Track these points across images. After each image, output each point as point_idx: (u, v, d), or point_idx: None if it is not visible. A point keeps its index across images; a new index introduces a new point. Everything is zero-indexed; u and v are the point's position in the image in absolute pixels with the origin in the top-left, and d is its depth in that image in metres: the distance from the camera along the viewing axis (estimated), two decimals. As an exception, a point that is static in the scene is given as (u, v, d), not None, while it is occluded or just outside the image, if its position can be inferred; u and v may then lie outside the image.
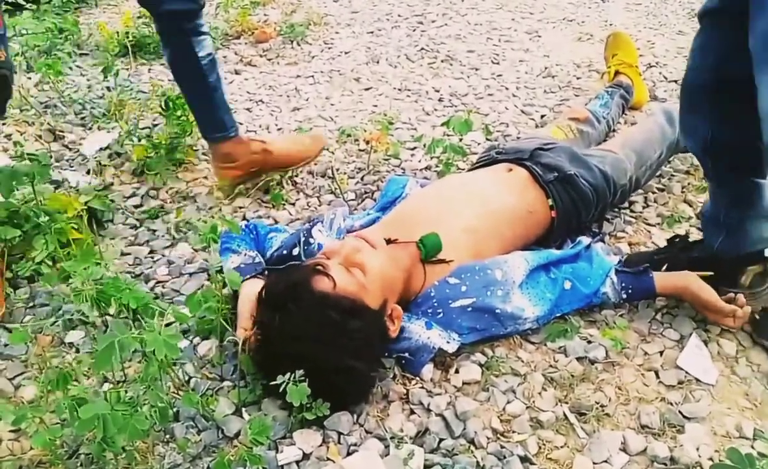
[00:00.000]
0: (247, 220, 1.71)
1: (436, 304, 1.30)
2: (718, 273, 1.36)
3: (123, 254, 1.62)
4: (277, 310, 1.14)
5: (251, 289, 1.27)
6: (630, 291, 1.40)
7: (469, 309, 1.29)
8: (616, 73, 2.24)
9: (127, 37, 2.85)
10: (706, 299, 1.33)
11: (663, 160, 1.80)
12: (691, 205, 1.77)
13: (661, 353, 1.32)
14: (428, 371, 1.25)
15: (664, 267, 1.41)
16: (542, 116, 2.28)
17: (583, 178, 1.55)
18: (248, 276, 1.34)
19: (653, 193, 1.84)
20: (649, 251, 1.55)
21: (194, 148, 2.04)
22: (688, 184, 1.87)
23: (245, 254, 1.41)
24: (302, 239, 1.47)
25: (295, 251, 1.43)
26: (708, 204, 1.41)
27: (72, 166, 1.98)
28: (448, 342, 1.25)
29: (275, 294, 1.18)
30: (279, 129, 2.28)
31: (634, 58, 2.30)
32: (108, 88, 2.47)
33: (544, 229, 1.54)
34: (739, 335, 1.36)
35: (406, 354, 1.26)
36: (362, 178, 1.94)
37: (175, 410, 1.16)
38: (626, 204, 1.79)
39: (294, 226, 1.68)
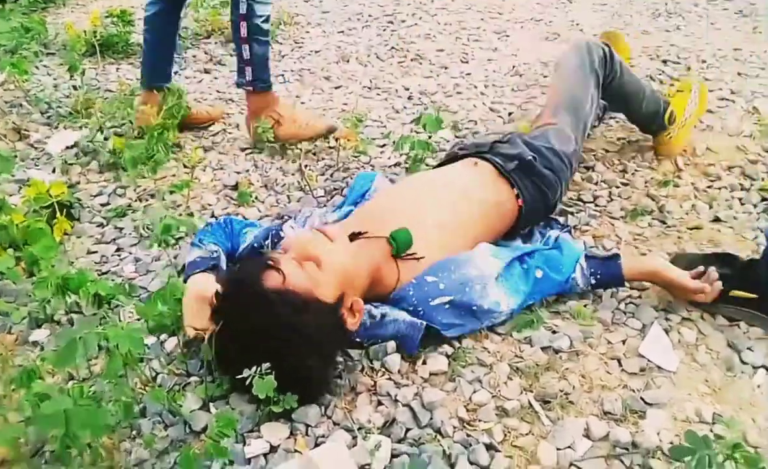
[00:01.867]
0: (215, 218, 1.70)
1: (415, 302, 1.31)
2: (760, 300, 1.35)
3: (89, 253, 1.61)
4: (228, 306, 1.14)
5: (196, 285, 1.27)
6: (599, 276, 1.43)
7: (447, 306, 1.30)
8: None
9: (95, 36, 2.81)
10: (676, 279, 1.37)
11: (596, 94, 1.79)
12: (653, 199, 1.81)
13: (624, 341, 1.35)
14: (396, 362, 1.26)
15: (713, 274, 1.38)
16: (510, 113, 2.31)
17: (542, 163, 1.58)
18: (197, 270, 1.33)
19: (617, 187, 1.87)
20: (700, 254, 1.52)
21: (166, 144, 2.02)
22: (651, 178, 1.91)
23: (206, 249, 1.41)
24: (272, 233, 1.48)
25: (265, 247, 1.43)
26: None
27: (37, 165, 1.96)
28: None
29: (226, 289, 1.17)
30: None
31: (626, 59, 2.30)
32: (75, 87, 2.44)
33: (513, 218, 1.56)
34: (699, 324, 1.39)
35: (398, 336, 1.27)
36: (331, 175, 1.95)
37: (141, 406, 1.15)
38: (591, 198, 1.83)
39: (265, 223, 1.68)
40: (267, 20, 1.95)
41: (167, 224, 1.19)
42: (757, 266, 1.37)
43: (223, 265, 1.42)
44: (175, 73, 2.71)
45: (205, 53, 2.93)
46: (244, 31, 1.92)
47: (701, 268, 1.38)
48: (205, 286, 1.23)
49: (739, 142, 2.04)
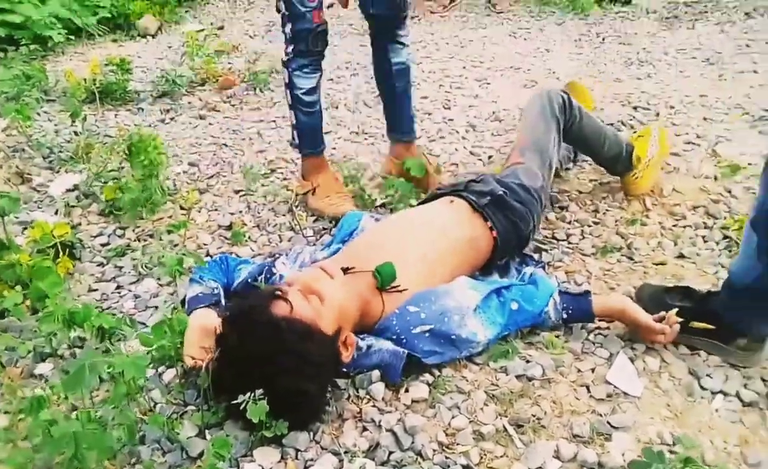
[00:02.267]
0: (211, 256, 1.80)
1: (398, 330, 1.41)
2: (718, 331, 1.45)
3: (91, 290, 1.70)
4: (236, 330, 1.23)
5: (199, 319, 1.37)
6: (570, 312, 1.53)
7: (428, 335, 1.40)
8: None
9: (94, 84, 2.94)
10: (639, 320, 1.47)
11: (558, 137, 1.90)
12: (622, 237, 1.93)
13: (593, 370, 1.45)
14: (380, 390, 1.36)
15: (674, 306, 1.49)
16: (489, 157, 2.45)
17: (512, 197, 1.69)
18: (200, 306, 1.43)
19: (589, 226, 2.00)
20: (662, 287, 1.61)
21: (162, 188, 2.13)
22: (621, 217, 2.03)
23: (206, 285, 1.51)
24: (266, 269, 1.58)
25: (259, 281, 1.54)
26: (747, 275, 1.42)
27: (40, 208, 2.06)
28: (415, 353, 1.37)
29: (235, 315, 1.27)
30: (242, 169, 2.39)
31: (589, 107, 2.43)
32: (75, 133, 2.56)
33: (489, 250, 1.67)
34: (662, 352, 1.50)
35: (382, 365, 1.36)
36: (321, 217, 2.06)
37: (141, 433, 1.23)
38: (564, 236, 1.95)
39: (258, 260, 1.78)
40: (309, 93, 2.00)
41: (179, 258, 1.29)
42: (714, 299, 1.49)
43: (223, 301, 1.52)
44: (171, 119, 2.85)
45: (200, 100, 3.07)
46: (288, 99, 2.03)
47: (663, 313, 1.49)
48: (207, 319, 1.34)
49: (702, 184, 2.17)
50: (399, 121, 2.20)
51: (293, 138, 2.10)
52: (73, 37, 4.11)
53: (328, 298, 1.33)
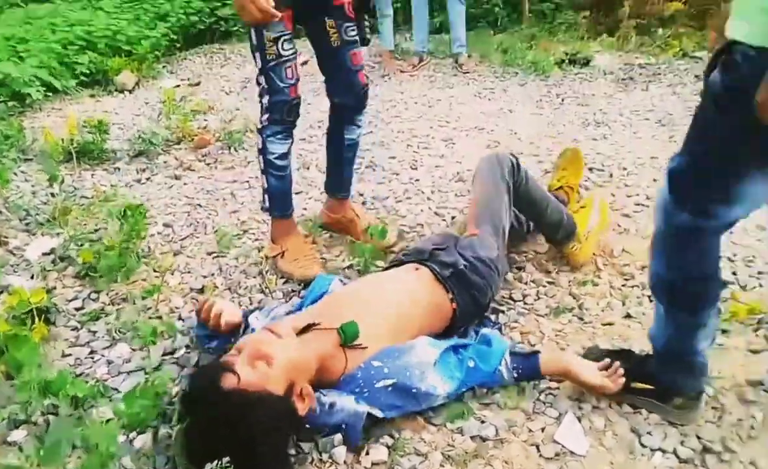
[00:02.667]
0: (182, 320, 1.88)
1: (362, 383, 1.50)
2: (656, 391, 1.56)
3: (64, 355, 1.76)
4: (189, 408, 1.34)
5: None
6: (520, 371, 1.63)
7: (390, 389, 1.50)
8: (559, 188, 2.46)
9: (72, 144, 3.03)
10: (585, 378, 1.59)
11: (508, 200, 2.01)
12: (574, 298, 2.05)
13: (543, 429, 1.55)
14: (342, 454, 1.44)
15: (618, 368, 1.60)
16: (452, 218, 2.57)
17: (471, 270, 1.81)
18: None
19: (543, 286, 2.12)
20: (605, 350, 1.73)
21: (135, 252, 2.21)
22: (573, 278, 2.16)
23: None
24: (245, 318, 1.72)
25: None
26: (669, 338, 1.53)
27: (16, 271, 2.12)
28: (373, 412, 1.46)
29: (188, 393, 1.37)
30: (215, 231, 2.48)
31: (577, 180, 2.54)
32: (52, 195, 2.63)
33: (449, 319, 1.78)
34: (607, 411, 1.60)
35: (343, 426, 1.44)
36: (290, 279, 2.15)
37: (113, 499, 1.29)
38: (521, 297, 2.07)
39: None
40: (281, 157, 2.12)
41: (153, 328, 1.37)
42: (650, 361, 1.61)
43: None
44: (147, 179, 2.94)
45: (176, 159, 3.17)
46: (261, 164, 2.14)
47: (608, 360, 1.61)
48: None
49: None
50: (339, 182, 2.39)
51: (264, 201, 2.21)
52: (51, 94, 4.20)
53: (276, 358, 1.42)
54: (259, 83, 2.05)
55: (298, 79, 2.05)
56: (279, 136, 2.10)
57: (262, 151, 2.12)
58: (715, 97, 1.18)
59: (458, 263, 1.80)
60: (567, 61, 4.54)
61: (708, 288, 1.42)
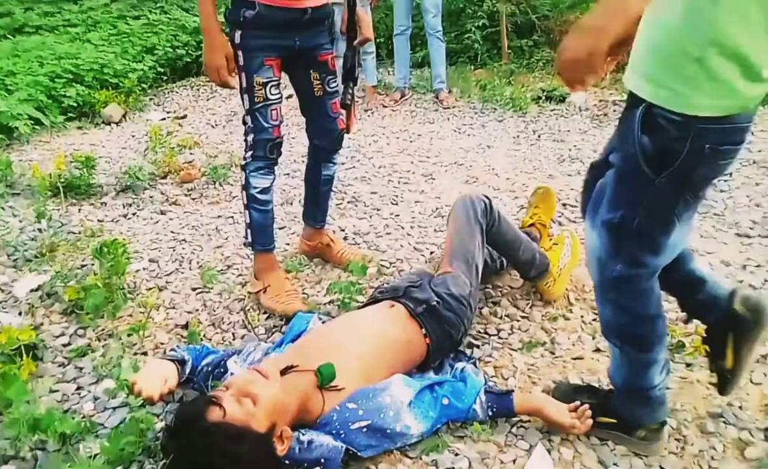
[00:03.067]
0: (175, 348, 1.93)
1: (338, 426, 1.56)
2: (620, 424, 1.65)
3: (52, 391, 1.80)
4: (175, 439, 1.39)
5: (158, 361, 1.75)
6: (494, 409, 1.71)
7: (365, 429, 1.56)
8: (531, 225, 2.58)
9: (59, 179, 3.08)
10: (555, 418, 1.67)
11: (481, 240, 2.10)
12: (546, 332, 2.14)
13: (514, 461, 1.62)
14: (320, 490, 1.50)
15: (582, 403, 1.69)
16: (431, 253, 2.66)
17: (443, 307, 1.89)
18: (167, 358, 1.76)
19: (517, 321, 2.20)
20: (572, 386, 1.84)
21: (120, 287, 2.26)
22: (546, 312, 2.25)
23: (180, 353, 1.78)
24: (221, 362, 1.78)
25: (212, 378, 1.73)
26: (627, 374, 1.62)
27: (4, 308, 2.16)
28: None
29: (174, 425, 1.42)
30: (200, 266, 2.54)
31: (549, 218, 2.65)
32: (40, 230, 2.68)
33: (423, 353, 1.85)
34: (575, 443, 1.68)
35: (322, 461, 1.49)
36: (273, 314, 2.22)
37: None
38: (495, 331, 2.15)
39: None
40: (264, 192, 2.21)
41: (125, 382, 1.45)
42: (612, 396, 1.69)
43: (187, 369, 1.74)
44: (134, 214, 3.00)
45: (162, 193, 3.23)
46: (244, 199, 2.23)
47: (578, 403, 1.69)
48: (163, 365, 1.70)
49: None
50: (316, 212, 2.54)
51: (247, 236, 2.29)
52: (38, 127, 4.26)
53: (261, 398, 1.48)
54: (245, 122, 2.16)
55: (281, 121, 2.17)
56: (262, 172, 2.20)
57: (245, 186, 2.21)
58: (645, 158, 1.28)
59: (431, 300, 1.89)
60: (544, 97, 4.70)
61: (655, 327, 1.52)
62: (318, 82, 2.21)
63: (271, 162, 2.21)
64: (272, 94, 2.09)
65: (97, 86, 4.91)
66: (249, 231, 2.27)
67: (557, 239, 2.40)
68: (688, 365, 1.96)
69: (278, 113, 2.15)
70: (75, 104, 4.63)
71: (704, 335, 1.71)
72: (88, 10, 6.51)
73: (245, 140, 2.19)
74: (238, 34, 2.02)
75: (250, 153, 2.18)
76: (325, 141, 2.33)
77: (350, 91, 2.25)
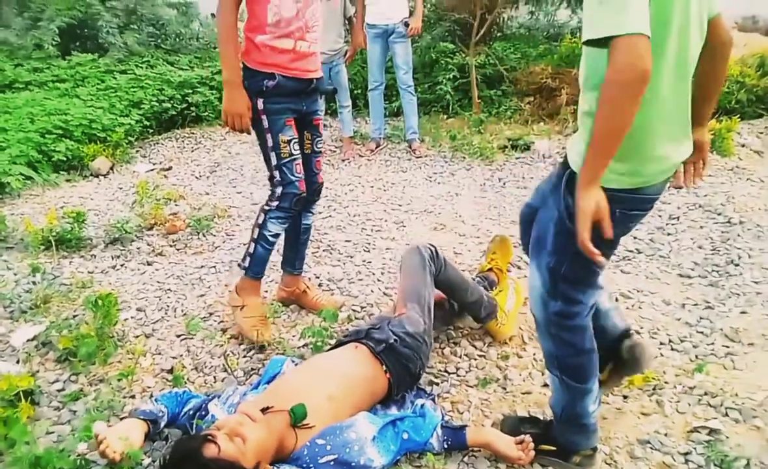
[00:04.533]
0: (155, 399, 2.12)
1: (308, 460, 1.76)
2: (559, 451, 1.88)
3: (48, 433, 1.98)
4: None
5: (126, 424, 1.85)
6: (449, 443, 1.93)
7: (332, 463, 1.76)
8: (489, 269, 2.83)
9: (51, 233, 3.28)
10: (503, 451, 1.89)
11: (431, 282, 2.32)
12: (500, 370, 2.36)
13: (465, 487, 1.83)
14: (291, 512, 1.69)
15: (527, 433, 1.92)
16: (400, 298, 2.88)
17: (401, 344, 2.10)
18: (139, 416, 1.87)
19: (475, 359, 2.42)
20: (518, 417, 2.06)
21: (110, 335, 2.45)
22: (501, 351, 2.47)
23: (156, 406, 1.93)
24: (203, 406, 1.96)
25: (195, 419, 1.90)
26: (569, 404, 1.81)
27: (2, 357, 2.34)
28: None
29: (173, 457, 1.61)
30: (184, 314, 2.74)
31: (506, 263, 2.88)
32: (34, 283, 2.87)
33: (386, 388, 2.06)
34: (520, 470, 1.90)
35: None
36: (251, 357, 2.42)
37: None
38: (454, 369, 2.36)
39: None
40: (275, 236, 2.47)
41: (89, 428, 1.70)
42: (552, 426, 1.92)
43: (162, 423, 1.91)
44: (122, 265, 3.21)
45: (148, 245, 3.44)
46: (255, 234, 2.47)
47: (522, 436, 1.91)
48: (132, 428, 1.80)
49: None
50: (294, 260, 2.76)
51: (243, 261, 2.53)
52: (29, 181, 4.46)
53: (250, 439, 1.68)
54: (272, 178, 2.43)
55: (303, 175, 2.44)
56: (281, 220, 2.46)
57: (261, 226, 2.45)
58: (569, 216, 1.54)
59: (389, 339, 2.11)
60: (510, 146, 5.00)
61: (590, 359, 1.76)
62: (309, 142, 2.52)
63: (291, 214, 2.48)
64: (295, 150, 2.39)
65: (85, 140, 5.13)
66: (249, 259, 2.50)
67: (501, 286, 2.65)
68: (625, 397, 2.19)
69: (301, 168, 2.43)
70: (65, 158, 4.85)
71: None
72: (76, 66, 6.76)
73: (273, 191, 2.45)
74: (260, 101, 2.31)
75: (276, 203, 2.43)
76: (307, 192, 2.54)
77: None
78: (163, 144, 5.71)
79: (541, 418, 2.04)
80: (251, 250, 2.49)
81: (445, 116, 6.09)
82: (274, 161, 2.38)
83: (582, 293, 1.68)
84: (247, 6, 2.29)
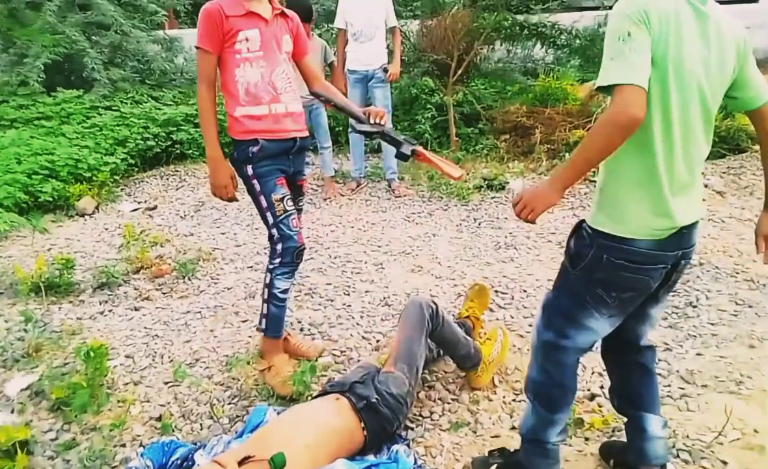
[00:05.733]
0: (143, 447, 2.24)
1: None
2: None
3: (42, 483, 2.10)
4: None
5: None
6: None
7: None
8: (467, 316, 2.98)
9: (41, 279, 3.39)
10: None
11: (425, 342, 2.46)
12: (472, 413, 2.52)
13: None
14: None
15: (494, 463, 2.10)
16: (377, 341, 3.03)
17: (382, 404, 2.25)
18: None
19: (448, 403, 2.57)
20: (485, 457, 2.20)
21: (101, 384, 2.57)
22: (473, 395, 2.62)
23: (142, 462, 2.03)
24: (190, 455, 2.07)
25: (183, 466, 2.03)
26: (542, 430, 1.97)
27: (-3, 408, 2.45)
28: None
29: None
30: (170, 360, 2.87)
31: (482, 312, 3.03)
32: (25, 331, 2.98)
33: (361, 443, 2.20)
34: (488, 510, 2.04)
35: None
36: (236, 403, 2.55)
37: None
38: (428, 413, 2.51)
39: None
40: (284, 292, 2.60)
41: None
42: (518, 453, 2.09)
43: None
44: (110, 310, 3.32)
45: (135, 289, 3.56)
46: (265, 296, 2.60)
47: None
48: None
49: (536, 363, 2.82)
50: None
51: (261, 323, 2.67)
52: (15, 223, 4.55)
53: None
54: (272, 235, 2.57)
55: (301, 228, 2.60)
56: (286, 275, 2.60)
57: (269, 286, 2.59)
58: (570, 256, 1.73)
59: (371, 397, 2.24)
60: (486, 186, 5.19)
61: (565, 395, 1.95)
62: (291, 201, 2.64)
63: (295, 267, 2.62)
64: (289, 206, 2.54)
65: (71, 180, 5.23)
66: (264, 320, 2.65)
67: (490, 334, 2.81)
68: (586, 439, 2.35)
69: (297, 221, 2.58)
70: (51, 199, 4.95)
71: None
72: (61, 103, 6.85)
73: (273, 249, 2.59)
74: (249, 168, 2.47)
75: (278, 260, 2.57)
76: None
77: (409, 146, 2.49)
78: (147, 182, 5.83)
79: (508, 449, 2.19)
80: (265, 311, 2.63)
81: (424, 153, 6.27)
82: (270, 220, 2.53)
83: (572, 328, 1.84)
84: (221, 88, 2.46)
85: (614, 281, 1.74)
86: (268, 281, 2.60)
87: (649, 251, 1.69)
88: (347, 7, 5.06)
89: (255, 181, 2.48)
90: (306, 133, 2.64)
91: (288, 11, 2.61)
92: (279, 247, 2.56)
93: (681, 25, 1.57)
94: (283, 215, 2.52)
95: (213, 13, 2.37)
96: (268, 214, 2.52)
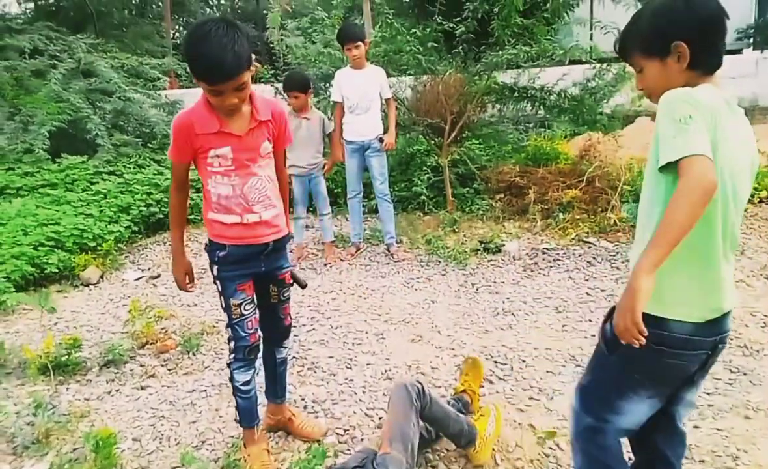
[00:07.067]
0: (154, 539, 2.29)
1: None
2: None
3: None
4: None
5: None
6: None
7: None
8: (463, 391, 3.07)
9: (48, 359, 3.46)
10: None
11: (416, 421, 2.52)
12: None
13: None
14: None
15: None
16: (380, 417, 3.09)
17: None
18: None
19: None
20: None
21: (110, 472, 2.62)
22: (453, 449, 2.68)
23: None
24: None
25: None
26: None
27: (9, 499, 2.50)
28: None
29: None
30: (177, 443, 2.92)
31: (478, 384, 3.12)
32: (35, 415, 3.03)
33: None
34: None
35: None
36: (243, 488, 2.60)
37: None
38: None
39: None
40: (246, 384, 2.67)
41: None
42: None
43: None
44: (117, 390, 3.38)
45: (141, 366, 3.62)
46: (232, 389, 2.73)
47: None
48: None
49: (538, 438, 2.88)
50: (275, 390, 2.98)
51: (237, 415, 2.77)
52: (22, 295, 4.64)
53: None
54: (228, 331, 2.67)
55: (257, 329, 2.67)
56: (243, 369, 2.69)
57: (231, 380, 2.72)
58: (606, 341, 1.80)
59: None
60: (482, 249, 5.31)
61: None
62: (275, 292, 2.75)
63: (250, 362, 2.71)
64: (246, 310, 2.60)
65: (77, 250, 5.34)
66: (237, 413, 2.76)
67: (484, 410, 2.87)
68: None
69: (253, 323, 2.65)
70: (57, 270, 5.04)
71: None
72: (66, 169, 7.01)
73: (228, 345, 2.70)
74: (215, 269, 2.56)
75: (232, 356, 2.69)
76: (274, 334, 2.85)
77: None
78: (151, 248, 5.93)
79: None
80: (235, 403, 2.74)
81: (421, 214, 6.42)
82: (227, 320, 2.64)
83: (611, 413, 1.87)
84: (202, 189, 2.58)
85: (653, 367, 1.75)
86: (229, 376, 2.72)
87: (689, 337, 1.69)
88: (343, 82, 5.26)
89: (218, 282, 2.59)
90: (284, 233, 2.66)
91: (276, 110, 2.57)
92: (232, 344, 2.67)
93: (723, 118, 1.63)
94: (238, 319, 2.60)
95: (183, 128, 2.38)
96: (226, 314, 2.63)
